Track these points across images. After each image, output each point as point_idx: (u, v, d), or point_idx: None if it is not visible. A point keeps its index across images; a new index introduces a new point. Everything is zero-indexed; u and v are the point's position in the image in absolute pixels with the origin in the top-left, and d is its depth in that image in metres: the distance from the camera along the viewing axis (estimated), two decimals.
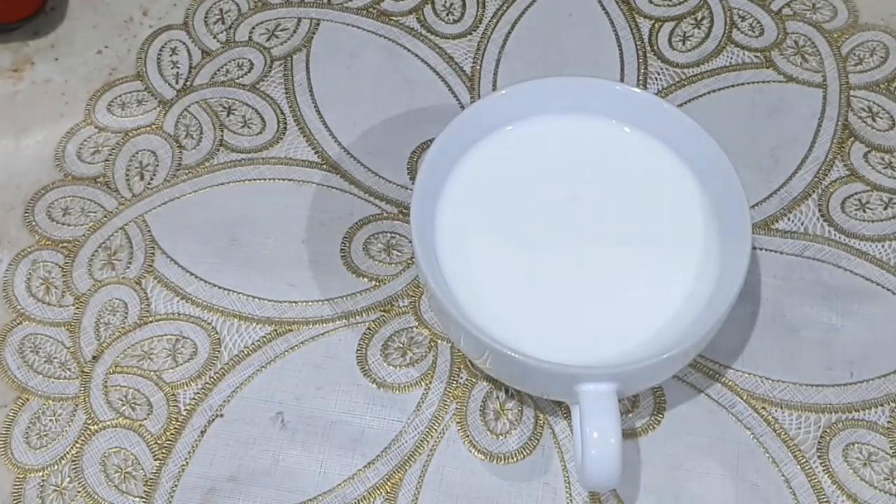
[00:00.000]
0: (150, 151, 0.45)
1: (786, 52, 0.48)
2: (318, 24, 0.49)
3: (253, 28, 0.49)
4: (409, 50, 0.48)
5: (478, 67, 0.48)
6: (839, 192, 0.44)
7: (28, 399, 0.40)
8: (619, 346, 0.36)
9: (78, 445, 0.39)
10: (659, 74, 0.47)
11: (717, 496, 0.38)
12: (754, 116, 0.46)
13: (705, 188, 0.39)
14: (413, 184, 0.41)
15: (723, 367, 0.41)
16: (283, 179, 0.45)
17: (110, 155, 0.45)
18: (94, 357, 0.41)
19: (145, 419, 0.39)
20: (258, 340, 0.41)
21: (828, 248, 0.43)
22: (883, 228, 0.44)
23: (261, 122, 0.46)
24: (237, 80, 0.47)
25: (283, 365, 0.41)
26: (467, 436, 0.39)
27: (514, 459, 0.39)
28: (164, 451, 0.39)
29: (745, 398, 0.40)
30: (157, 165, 0.45)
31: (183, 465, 0.39)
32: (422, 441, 0.39)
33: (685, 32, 0.49)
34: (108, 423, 0.39)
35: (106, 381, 0.40)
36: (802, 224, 0.44)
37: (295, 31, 0.49)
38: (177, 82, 0.47)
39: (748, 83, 0.47)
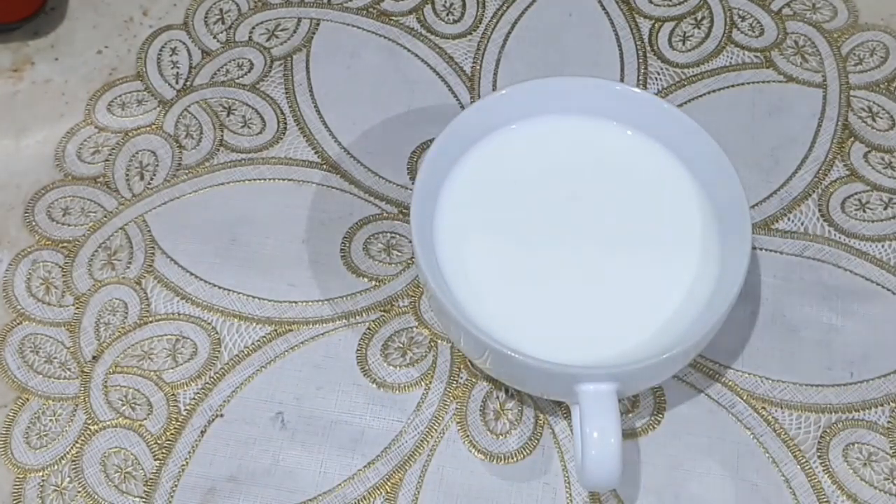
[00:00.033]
0: (150, 151, 0.45)
1: (786, 52, 0.48)
2: (318, 24, 0.49)
3: (253, 28, 0.49)
4: (409, 50, 0.48)
5: (478, 67, 0.48)
6: (839, 192, 0.44)
7: (28, 399, 0.40)
8: (619, 346, 0.36)
9: (78, 445, 0.39)
10: (659, 74, 0.47)
11: (717, 496, 0.38)
12: (754, 116, 0.46)
13: (705, 188, 0.39)
14: (413, 184, 0.41)
15: (723, 367, 0.41)
16: (283, 179, 0.45)
17: (110, 155, 0.45)
18: (94, 357, 0.41)
19: (145, 419, 0.39)
20: (258, 340, 0.41)
21: (828, 248, 0.43)
22: (883, 228, 0.44)
23: (261, 122, 0.46)
24: (237, 80, 0.47)
25: (283, 365, 0.41)
26: (467, 436, 0.39)
27: (514, 459, 0.39)
28: (164, 451, 0.39)
29: (745, 398, 0.40)
30: (157, 165, 0.45)
31: (183, 465, 0.39)
32: (422, 441, 0.39)
33: (685, 32, 0.49)
34: (108, 423, 0.39)
35: (106, 381, 0.40)
36: (802, 224, 0.44)
37: (295, 31, 0.49)
38: (177, 82, 0.47)
39: (748, 83, 0.47)
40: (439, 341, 0.41)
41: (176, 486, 0.38)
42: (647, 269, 0.38)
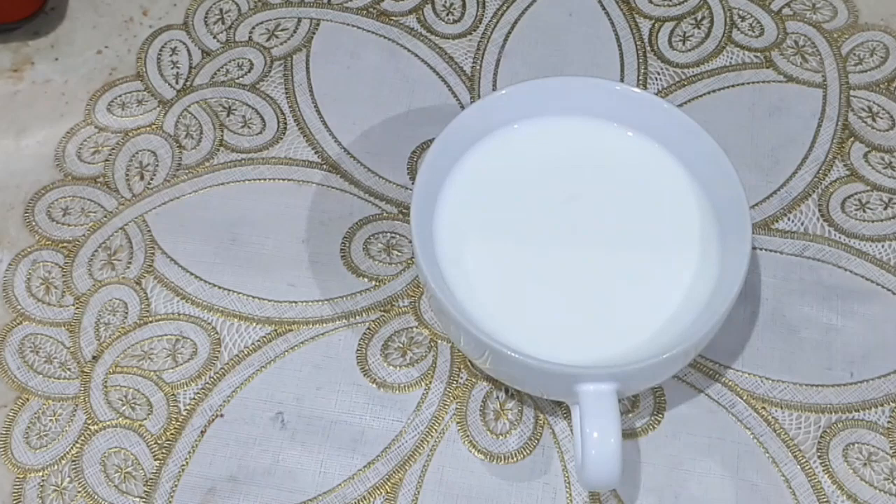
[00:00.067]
0: (150, 151, 0.45)
1: (786, 52, 0.48)
2: (318, 24, 0.49)
3: (253, 28, 0.49)
4: (409, 50, 0.48)
5: (478, 67, 0.48)
6: (839, 192, 0.44)
7: (28, 399, 0.40)
8: (619, 346, 0.36)
9: (78, 445, 0.39)
10: (659, 74, 0.47)
11: (717, 496, 0.38)
12: (754, 116, 0.46)
13: (705, 188, 0.39)
14: (413, 184, 0.41)
15: (723, 367, 0.41)
16: (283, 179, 0.45)
17: (110, 155, 0.45)
18: (94, 357, 0.41)
19: (145, 419, 0.39)
20: (258, 340, 0.41)
21: (828, 248, 0.43)
22: (883, 228, 0.44)
23: (261, 122, 0.46)
24: (237, 80, 0.47)
25: (283, 365, 0.41)
26: (467, 436, 0.39)
27: (514, 459, 0.39)
28: (164, 451, 0.39)
29: (745, 398, 0.40)
30: (157, 165, 0.45)
31: (183, 465, 0.39)
32: (422, 441, 0.39)
33: (685, 32, 0.49)
34: (108, 423, 0.39)
35: (106, 381, 0.40)
36: (802, 224, 0.44)
37: (295, 31, 0.49)
38: (177, 82, 0.47)
39: (748, 83, 0.47)
40: (439, 341, 0.41)
41: (176, 486, 0.38)
42: (647, 270, 0.38)
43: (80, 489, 0.38)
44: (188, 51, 0.48)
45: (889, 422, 0.39)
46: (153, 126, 0.46)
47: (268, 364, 0.41)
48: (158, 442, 0.39)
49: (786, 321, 0.41)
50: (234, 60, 0.48)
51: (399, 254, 0.43)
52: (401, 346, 0.41)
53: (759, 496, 0.38)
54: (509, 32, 0.49)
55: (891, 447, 0.39)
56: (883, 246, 0.43)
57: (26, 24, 0.48)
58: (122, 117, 0.46)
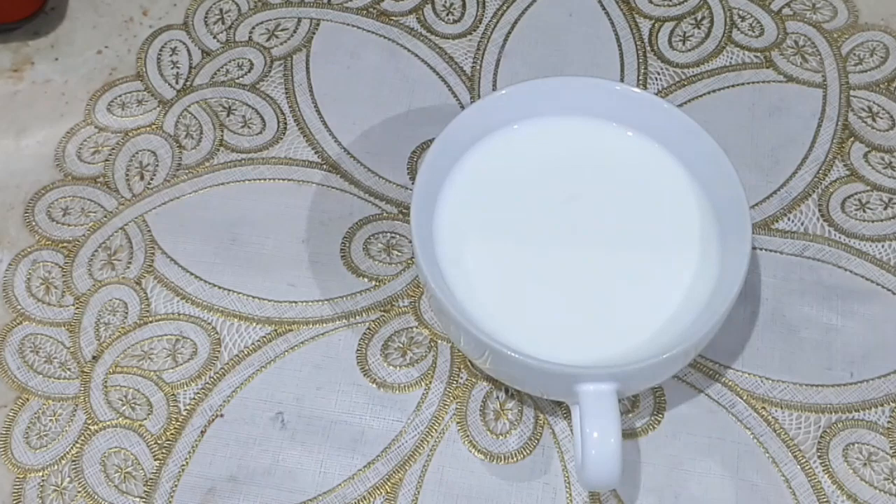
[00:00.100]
0: (150, 151, 0.45)
1: (786, 52, 0.48)
2: (318, 24, 0.49)
3: (253, 28, 0.49)
4: (409, 50, 0.48)
5: (478, 67, 0.48)
6: (839, 192, 0.44)
7: (28, 399, 0.40)
8: (618, 346, 0.36)
9: (78, 445, 0.39)
10: (659, 74, 0.47)
11: (717, 496, 0.38)
12: (754, 116, 0.46)
13: (705, 188, 0.39)
14: (413, 184, 0.41)
15: (723, 367, 0.41)
16: (283, 179, 0.45)
17: (110, 155, 0.45)
18: (94, 357, 0.41)
19: (145, 419, 0.39)
20: (258, 340, 0.41)
21: (828, 248, 0.43)
22: (883, 228, 0.44)
23: (261, 122, 0.46)
24: (237, 80, 0.47)
25: (283, 365, 0.41)
26: (467, 436, 0.39)
27: (514, 459, 0.39)
28: (164, 451, 0.39)
29: (745, 398, 0.40)
30: (157, 165, 0.45)
31: (183, 465, 0.39)
32: (422, 441, 0.39)
33: (685, 32, 0.49)
34: (108, 423, 0.39)
35: (106, 381, 0.40)
36: (802, 224, 0.44)
37: (295, 31, 0.49)
38: (177, 82, 0.47)
39: (748, 83, 0.47)
40: (439, 341, 0.41)
41: (176, 486, 0.38)
42: (647, 270, 0.38)
43: (80, 489, 0.38)
44: (188, 51, 0.48)
45: (889, 422, 0.39)
46: (153, 126, 0.46)
47: (268, 364, 0.41)
48: (158, 442, 0.39)
49: (786, 321, 0.41)
50: (234, 60, 0.48)
51: (399, 254, 0.43)
52: (401, 346, 0.41)
53: (759, 496, 0.38)
54: (509, 32, 0.49)
55: (891, 447, 0.39)
56: (883, 246, 0.43)
57: (26, 24, 0.48)
58: (122, 117, 0.46)
